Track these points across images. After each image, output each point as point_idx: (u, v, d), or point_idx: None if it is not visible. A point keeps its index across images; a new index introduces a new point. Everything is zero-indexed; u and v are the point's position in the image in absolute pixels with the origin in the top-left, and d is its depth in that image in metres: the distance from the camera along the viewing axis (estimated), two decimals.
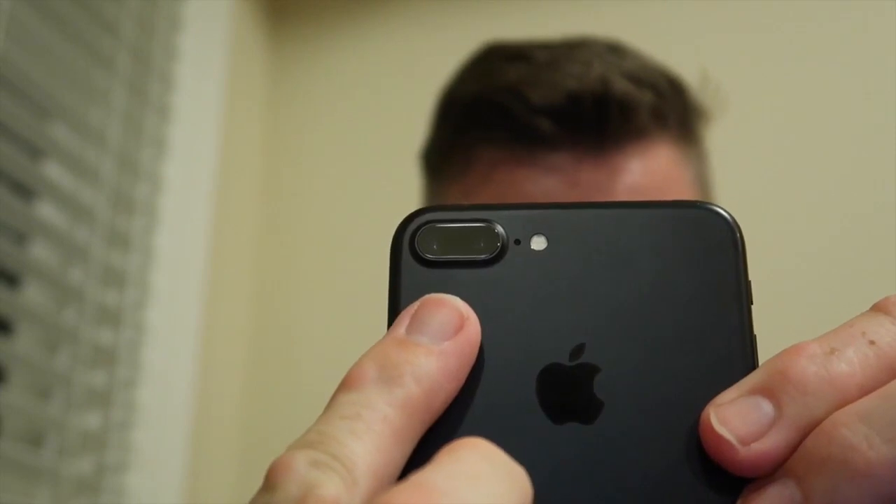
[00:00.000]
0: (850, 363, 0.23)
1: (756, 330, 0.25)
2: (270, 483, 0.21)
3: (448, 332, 0.24)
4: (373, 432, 0.21)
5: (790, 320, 0.84)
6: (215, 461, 1.23)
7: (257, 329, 1.35)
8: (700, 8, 1.27)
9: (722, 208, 0.26)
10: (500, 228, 0.26)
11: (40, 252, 1.05)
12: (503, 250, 0.26)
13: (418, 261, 0.26)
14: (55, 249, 1.05)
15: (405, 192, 0.81)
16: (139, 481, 1.07)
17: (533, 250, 0.26)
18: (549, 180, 0.59)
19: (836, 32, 1.21)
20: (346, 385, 0.23)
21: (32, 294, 1.04)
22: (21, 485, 0.96)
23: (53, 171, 1.07)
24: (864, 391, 0.22)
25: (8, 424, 0.97)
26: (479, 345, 0.24)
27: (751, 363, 0.24)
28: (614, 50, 0.64)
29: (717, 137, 0.70)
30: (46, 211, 1.06)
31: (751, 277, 0.26)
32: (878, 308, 0.24)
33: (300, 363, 1.31)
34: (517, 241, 0.26)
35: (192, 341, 1.18)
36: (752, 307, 0.25)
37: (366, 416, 0.22)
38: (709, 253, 0.25)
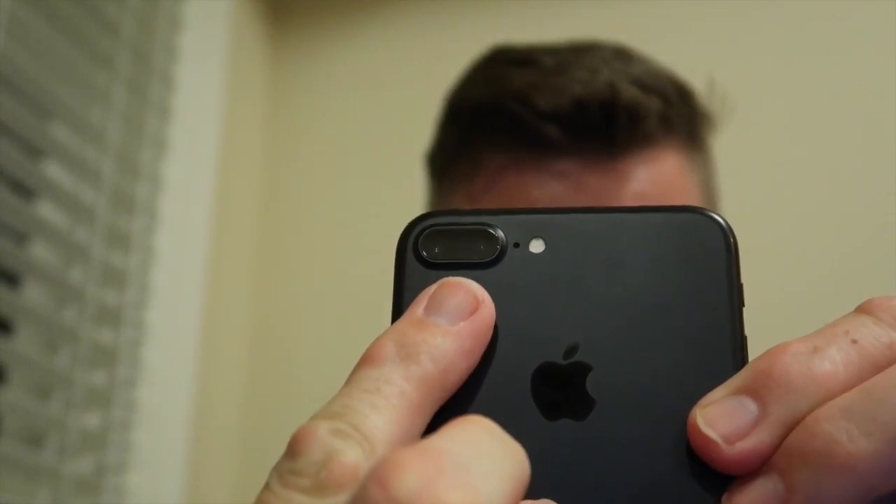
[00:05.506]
0: (833, 361, 0.23)
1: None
2: (294, 450, 0.22)
3: (464, 313, 0.25)
4: (391, 406, 0.23)
5: (795, 322, 0.83)
6: (215, 461, 1.23)
7: (257, 329, 1.35)
8: (708, 13, 1.27)
9: (715, 213, 0.27)
10: (499, 232, 0.27)
11: (40, 252, 1.05)
12: (502, 253, 0.27)
13: (421, 263, 0.27)
14: (55, 249, 1.05)
15: (405, 192, 0.81)
16: (139, 481, 1.07)
17: (531, 253, 0.27)
18: (556, 186, 0.59)
19: (846, 39, 1.20)
20: (366, 361, 0.24)
21: (32, 294, 1.04)
22: (21, 485, 0.96)
23: (53, 171, 1.07)
24: (847, 388, 0.23)
25: (8, 424, 0.97)
26: (493, 327, 0.25)
27: (740, 363, 0.25)
28: (621, 55, 0.63)
29: (725, 144, 0.70)
30: (46, 211, 1.06)
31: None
32: (862, 309, 0.25)
33: (300, 363, 1.31)
34: (516, 245, 0.27)
35: (192, 341, 1.18)
36: (744, 309, 0.26)
37: (385, 390, 0.23)
38: (702, 256, 0.26)
